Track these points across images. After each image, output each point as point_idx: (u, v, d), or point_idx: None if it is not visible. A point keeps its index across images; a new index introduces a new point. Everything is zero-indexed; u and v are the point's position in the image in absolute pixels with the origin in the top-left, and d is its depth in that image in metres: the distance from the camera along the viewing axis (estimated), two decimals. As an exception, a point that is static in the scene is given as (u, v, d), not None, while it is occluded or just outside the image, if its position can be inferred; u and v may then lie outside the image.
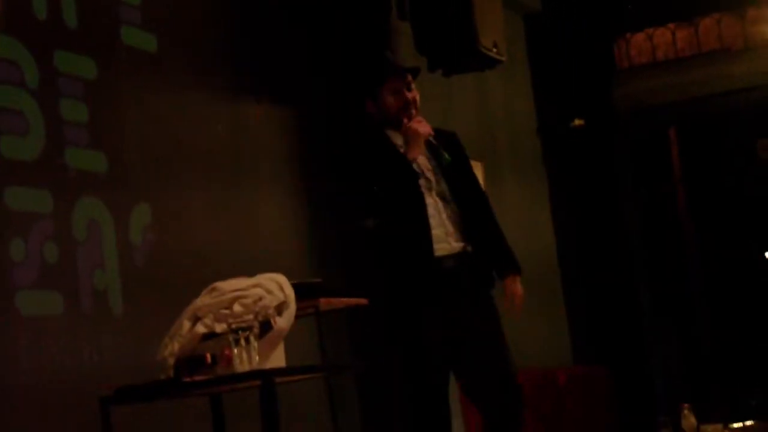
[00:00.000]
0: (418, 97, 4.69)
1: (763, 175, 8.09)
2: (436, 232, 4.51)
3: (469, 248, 4.55)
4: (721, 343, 7.75)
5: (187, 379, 3.66)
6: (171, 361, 3.79)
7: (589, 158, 7.75)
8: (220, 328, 3.84)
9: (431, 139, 4.59)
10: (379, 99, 4.67)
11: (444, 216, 4.54)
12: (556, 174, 7.71)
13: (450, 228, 4.53)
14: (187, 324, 3.89)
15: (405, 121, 4.61)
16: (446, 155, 4.57)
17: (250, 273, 3.94)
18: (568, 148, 7.69)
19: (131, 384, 3.70)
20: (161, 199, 5.21)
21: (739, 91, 8.04)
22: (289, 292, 3.97)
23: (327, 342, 4.49)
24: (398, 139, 4.62)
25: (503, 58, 6.67)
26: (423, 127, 4.58)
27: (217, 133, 5.66)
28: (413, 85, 4.70)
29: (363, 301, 4.50)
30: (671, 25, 8.45)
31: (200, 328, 3.86)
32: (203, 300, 3.94)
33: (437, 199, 4.57)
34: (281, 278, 4.00)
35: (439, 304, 4.47)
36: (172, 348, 3.84)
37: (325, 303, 4.32)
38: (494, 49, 6.53)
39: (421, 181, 4.55)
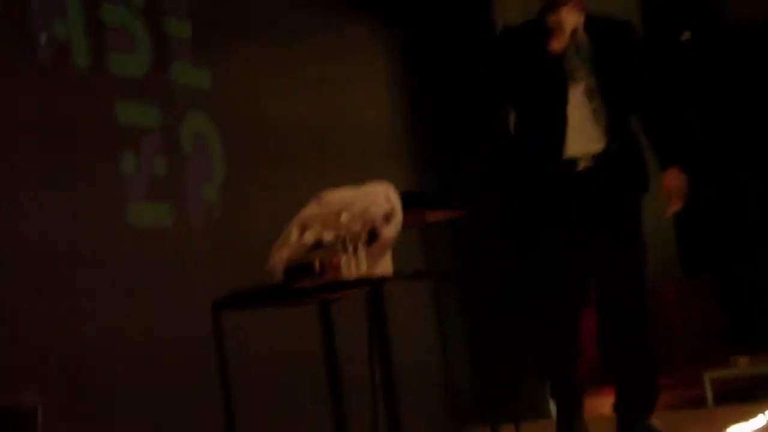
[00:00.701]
0: None
1: None
2: (574, 131, 4.23)
3: (615, 147, 4.24)
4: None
5: (297, 286, 3.69)
6: (281, 267, 3.83)
7: (698, 73, 7.57)
8: (328, 236, 3.86)
9: (579, 29, 4.25)
10: None
11: (586, 112, 4.24)
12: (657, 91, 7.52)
13: (591, 126, 4.24)
14: (295, 232, 3.92)
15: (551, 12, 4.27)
16: (587, 46, 4.26)
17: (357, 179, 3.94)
18: (677, 63, 7.52)
19: (241, 289, 3.74)
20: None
21: None
22: (396, 201, 3.96)
23: (432, 252, 4.48)
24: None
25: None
26: (570, 16, 4.24)
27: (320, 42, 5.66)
28: None
29: (465, 213, 4.43)
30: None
31: (309, 237, 3.88)
32: (311, 209, 3.96)
33: (581, 94, 4.25)
34: (388, 187, 3.99)
35: (569, 210, 4.22)
36: (281, 255, 3.88)
37: (431, 214, 4.30)
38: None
39: (562, 75, 4.24)
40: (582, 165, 4.22)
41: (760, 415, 4.38)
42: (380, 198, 4.08)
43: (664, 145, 4.32)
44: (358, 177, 4.76)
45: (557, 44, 4.21)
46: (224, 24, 5.16)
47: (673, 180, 4.27)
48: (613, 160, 4.22)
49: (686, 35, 7.43)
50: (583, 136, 4.21)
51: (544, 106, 4.22)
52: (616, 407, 4.18)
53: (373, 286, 3.58)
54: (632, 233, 4.26)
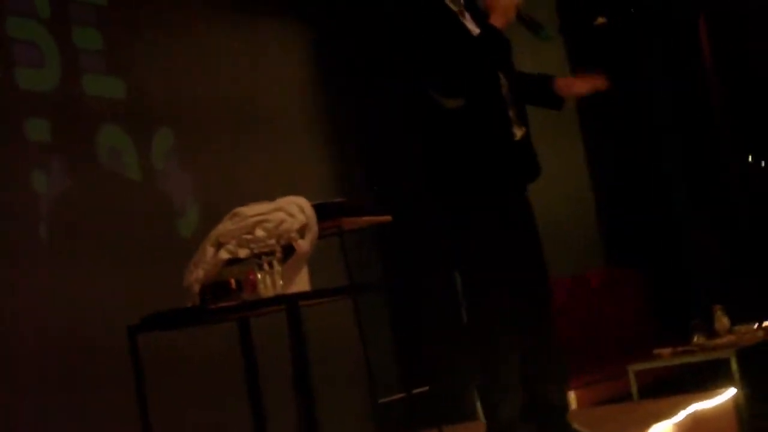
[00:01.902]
0: None
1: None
2: (510, 113, 4.06)
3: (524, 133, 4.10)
4: (757, 241, 7.65)
5: (213, 306, 3.66)
6: (197, 287, 3.79)
7: (616, 55, 7.59)
8: (243, 253, 3.83)
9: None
10: None
11: (511, 96, 4.06)
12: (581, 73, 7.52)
13: (516, 109, 4.06)
14: (210, 250, 3.88)
15: None
16: (546, 29, 4.04)
17: (272, 196, 3.91)
18: (593, 47, 7.53)
19: (158, 311, 3.71)
20: (183, 123, 5.19)
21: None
22: (310, 213, 3.93)
23: (354, 261, 4.45)
24: (453, 6, 4.19)
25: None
26: None
27: (237, 53, 5.60)
28: None
29: (387, 218, 4.40)
30: None
31: (224, 254, 3.85)
32: (225, 226, 3.92)
33: (504, 76, 4.07)
34: (302, 200, 3.96)
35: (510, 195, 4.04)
36: (197, 274, 3.84)
37: (348, 222, 4.26)
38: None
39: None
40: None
41: (681, 412, 4.42)
42: (294, 211, 4.04)
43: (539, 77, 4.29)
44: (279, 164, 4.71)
45: (500, 21, 4.02)
46: (136, 31, 5.09)
47: (566, 80, 4.25)
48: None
49: (600, 20, 7.43)
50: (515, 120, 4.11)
51: (483, 88, 4.07)
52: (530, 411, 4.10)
53: (289, 304, 3.56)
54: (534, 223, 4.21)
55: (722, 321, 5.78)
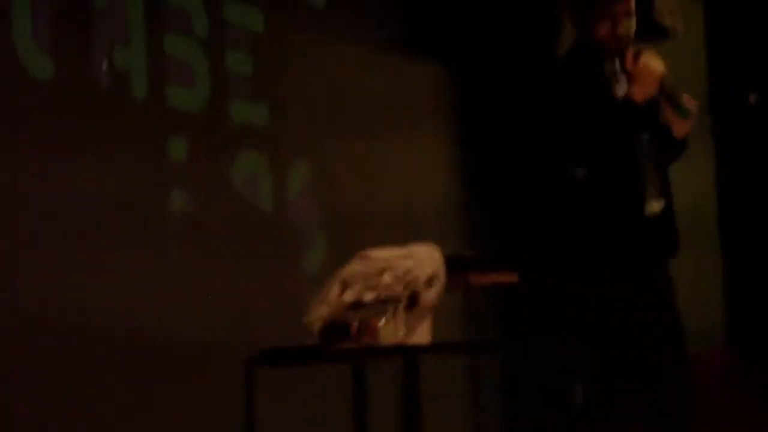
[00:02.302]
0: (633, 30, 3.98)
1: None
2: (649, 187, 3.94)
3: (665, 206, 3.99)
4: None
5: (334, 347, 3.65)
6: (318, 325, 3.79)
7: (764, 137, 7.45)
8: (368, 297, 3.81)
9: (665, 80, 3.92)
10: (588, 21, 3.99)
11: (651, 168, 3.97)
12: (727, 153, 7.39)
13: (656, 183, 3.96)
14: (336, 289, 3.88)
15: (629, 54, 3.95)
16: (685, 103, 3.92)
17: (401, 237, 3.89)
18: (743, 127, 7.40)
19: (277, 346, 3.70)
20: (318, 154, 5.21)
21: None
22: (440, 264, 3.91)
23: (475, 318, 4.41)
24: (600, 64, 4.13)
25: (678, 29, 6.44)
26: (657, 63, 3.92)
27: (376, 88, 5.63)
28: (632, 15, 4.00)
29: (515, 278, 4.36)
30: None
31: (348, 296, 3.84)
32: (354, 267, 3.91)
33: (647, 147, 3.98)
34: (433, 250, 3.94)
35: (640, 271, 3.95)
36: (320, 312, 3.84)
37: (475, 278, 4.24)
38: (669, 16, 6.27)
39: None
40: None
41: None
42: (424, 260, 4.03)
43: None
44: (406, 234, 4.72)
45: (641, 94, 3.95)
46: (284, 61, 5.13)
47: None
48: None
49: (753, 97, 7.31)
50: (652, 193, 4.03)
51: (617, 158, 4.00)
52: None
53: (408, 356, 3.53)
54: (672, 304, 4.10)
55: None
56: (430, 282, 3.87)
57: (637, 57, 3.95)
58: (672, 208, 4.06)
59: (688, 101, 3.97)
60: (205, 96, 4.75)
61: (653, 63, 3.92)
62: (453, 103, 6.17)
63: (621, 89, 4.01)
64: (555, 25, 6.39)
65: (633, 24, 3.98)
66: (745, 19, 7.68)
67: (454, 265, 3.99)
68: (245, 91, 4.96)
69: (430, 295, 3.82)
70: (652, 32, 6.34)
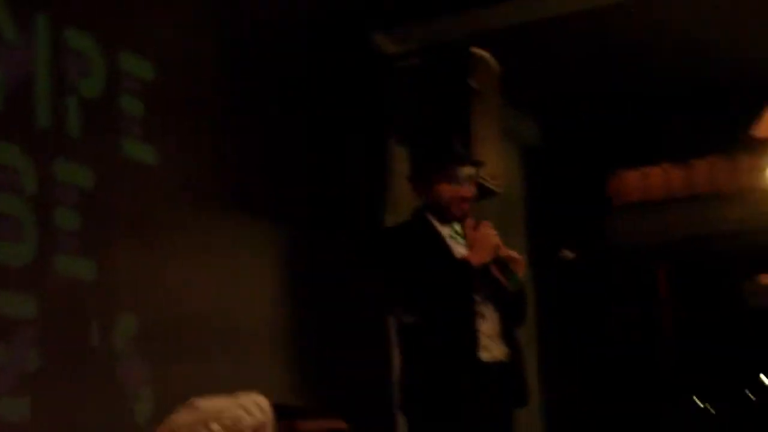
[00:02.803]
0: (472, 194, 4.37)
1: (747, 320, 8.15)
2: (484, 337, 4.21)
3: (509, 355, 4.24)
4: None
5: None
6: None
7: (580, 292, 7.78)
8: (197, 448, 3.81)
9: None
10: (433, 185, 4.39)
11: (491, 320, 4.26)
12: (545, 308, 7.70)
13: (495, 334, 4.24)
14: (163, 440, 3.86)
15: (469, 221, 4.30)
16: (516, 277, 4.26)
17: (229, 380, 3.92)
18: (560, 282, 7.73)
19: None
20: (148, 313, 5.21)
21: (731, 235, 8.09)
22: (269, 413, 3.94)
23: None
24: (443, 229, 4.33)
25: (500, 190, 6.70)
26: (494, 234, 4.27)
27: (210, 250, 5.67)
28: (474, 180, 4.41)
29: (342, 425, 4.41)
30: (665, 165, 8.54)
31: (177, 447, 3.82)
32: (181, 417, 3.91)
33: (486, 301, 4.29)
34: (261, 399, 3.97)
35: (476, 416, 4.18)
36: (147, 464, 3.81)
37: (303, 426, 4.27)
38: (492, 180, 6.53)
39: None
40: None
41: None
42: (253, 409, 4.05)
43: None
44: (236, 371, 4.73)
45: (478, 259, 4.15)
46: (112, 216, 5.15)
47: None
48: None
49: (567, 254, 7.63)
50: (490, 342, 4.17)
51: (452, 309, 4.16)
52: None
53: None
54: None
55: None
56: (258, 430, 3.89)
57: (476, 226, 4.20)
58: (521, 359, 4.22)
59: (519, 265, 4.19)
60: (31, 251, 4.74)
61: (491, 233, 4.16)
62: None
63: (458, 251, 4.22)
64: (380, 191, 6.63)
65: (474, 189, 4.23)
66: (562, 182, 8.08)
67: (282, 413, 4.03)
68: (73, 246, 4.95)
69: (258, 444, 3.84)
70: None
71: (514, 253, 4.26)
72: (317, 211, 6.34)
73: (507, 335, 4.24)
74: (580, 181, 8.45)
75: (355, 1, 6.76)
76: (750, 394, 7.88)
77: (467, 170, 4.33)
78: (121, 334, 5.07)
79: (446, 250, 4.24)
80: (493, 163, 6.55)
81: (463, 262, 4.19)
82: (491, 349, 4.18)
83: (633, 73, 8.13)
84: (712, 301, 8.19)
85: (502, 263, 4.26)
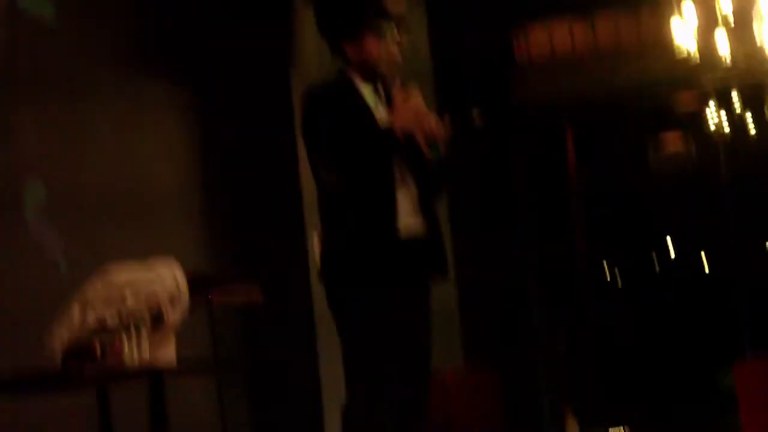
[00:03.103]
0: (398, 51, 4.06)
1: (652, 175, 8.25)
2: (402, 207, 4.06)
3: (427, 226, 4.10)
4: (611, 344, 7.85)
5: (74, 372, 3.55)
6: (59, 350, 3.68)
7: (487, 154, 7.76)
8: (111, 318, 3.74)
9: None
10: (359, 42, 4.08)
11: (409, 191, 4.08)
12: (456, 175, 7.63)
13: (413, 205, 4.05)
14: (77, 312, 3.78)
15: (397, 83, 4.03)
16: (438, 147, 4.02)
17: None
18: (470, 147, 7.67)
19: (12, 374, 3.57)
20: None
21: (635, 91, 8.11)
22: (183, 282, 3.87)
23: (220, 337, 4.39)
24: (365, 89, 4.21)
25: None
26: (420, 101, 4.01)
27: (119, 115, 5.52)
28: (398, 38, 4.08)
29: (258, 297, 4.36)
30: (569, 20, 8.48)
31: (91, 318, 3.75)
32: (95, 287, 3.82)
33: (405, 171, 4.09)
34: (175, 268, 3.90)
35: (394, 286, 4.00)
36: (60, 337, 3.73)
37: (218, 296, 4.22)
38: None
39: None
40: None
41: None
42: (167, 278, 3.96)
43: None
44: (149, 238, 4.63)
45: (402, 124, 4.03)
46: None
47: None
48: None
49: (476, 117, 7.59)
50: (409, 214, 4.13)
51: (372, 176, 4.09)
52: None
53: (154, 379, 3.48)
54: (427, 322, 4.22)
55: (572, 426, 5.87)
56: (173, 301, 3.83)
57: (402, 89, 4.05)
58: (438, 230, 4.18)
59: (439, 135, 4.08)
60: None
61: (417, 99, 4.02)
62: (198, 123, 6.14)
63: (380, 116, 4.11)
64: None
65: (402, 45, 4.08)
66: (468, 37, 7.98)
67: (196, 283, 3.96)
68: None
69: (173, 315, 3.78)
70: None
71: (438, 125, 4.15)
72: (224, 70, 6.19)
73: (425, 208, 4.18)
74: (486, 37, 8.34)
75: None
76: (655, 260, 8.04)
77: (392, 26, 4.18)
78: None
79: (369, 114, 4.12)
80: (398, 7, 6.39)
81: (386, 129, 4.07)
82: (408, 222, 4.12)
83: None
84: (618, 162, 8.25)
85: (425, 131, 4.13)
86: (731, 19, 6.51)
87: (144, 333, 3.65)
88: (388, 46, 4.08)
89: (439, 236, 4.16)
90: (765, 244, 8.05)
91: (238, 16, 6.33)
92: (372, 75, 4.10)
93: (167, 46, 5.89)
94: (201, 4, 6.16)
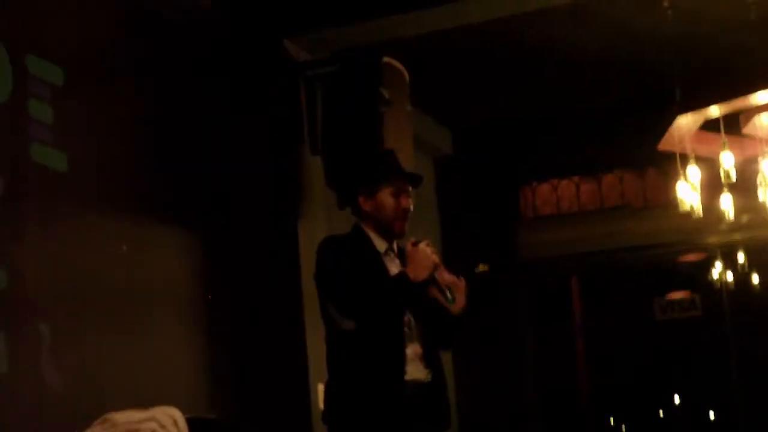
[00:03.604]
0: (411, 208, 4.33)
1: (657, 333, 8.25)
2: (410, 356, 4.18)
3: (432, 377, 4.23)
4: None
5: None
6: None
7: (493, 304, 7.79)
8: (109, 466, 3.71)
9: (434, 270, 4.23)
10: (375, 197, 4.34)
11: (416, 340, 4.23)
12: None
13: (420, 355, 4.22)
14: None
15: (412, 239, 4.28)
16: (449, 294, 4.25)
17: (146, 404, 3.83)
18: (473, 293, 7.72)
19: None
20: (59, 320, 5.08)
21: (638, 249, 8.18)
22: (183, 426, 3.86)
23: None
24: (379, 243, 4.35)
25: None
26: (432, 251, 4.24)
27: (122, 257, 5.56)
28: (411, 195, 4.35)
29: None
30: (576, 179, 8.62)
31: (90, 462, 3.73)
32: (95, 431, 3.82)
33: (412, 320, 4.25)
34: (175, 412, 3.88)
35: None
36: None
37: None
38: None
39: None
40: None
41: None
42: (167, 423, 3.97)
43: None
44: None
45: (418, 275, 4.12)
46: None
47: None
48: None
49: (481, 268, 7.65)
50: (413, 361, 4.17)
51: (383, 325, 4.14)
52: None
53: None
54: None
55: None
56: (173, 447, 3.82)
57: (415, 243, 4.17)
58: (442, 383, 4.21)
59: (459, 288, 4.18)
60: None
61: (429, 250, 4.14)
62: (201, 273, 6.18)
63: (393, 270, 4.20)
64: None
65: (411, 202, 4.22)
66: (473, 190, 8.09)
67: (196, 427, 3.95)
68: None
69: (173, 459, 3.76)
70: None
71: (453, 277, 4.26)
72: (229, 218, 6.27)
73: (431, 357, 4.22)
74: (492, 193, 8.47)
75: (265, 8, 6.70)
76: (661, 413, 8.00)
77: (406, 182, 4.32)
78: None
79: (384, 266, 4.23)
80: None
81: (400, 278, 4.15)
82: (413, 370, 4.15)
83: (545, 86, 8.19)
84: (622, 314, 8.28)
85: (439, 283, 4.24)
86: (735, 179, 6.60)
87: (143, 477, 3.61)
88: (402, 201, 4.20)
89: (443, 387, 4.20)
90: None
91: (247, 163, 6.44)
92: (386, 229, 4.22)
93: (175, 195, 5.99)
94: (209, 149, 6.27)
